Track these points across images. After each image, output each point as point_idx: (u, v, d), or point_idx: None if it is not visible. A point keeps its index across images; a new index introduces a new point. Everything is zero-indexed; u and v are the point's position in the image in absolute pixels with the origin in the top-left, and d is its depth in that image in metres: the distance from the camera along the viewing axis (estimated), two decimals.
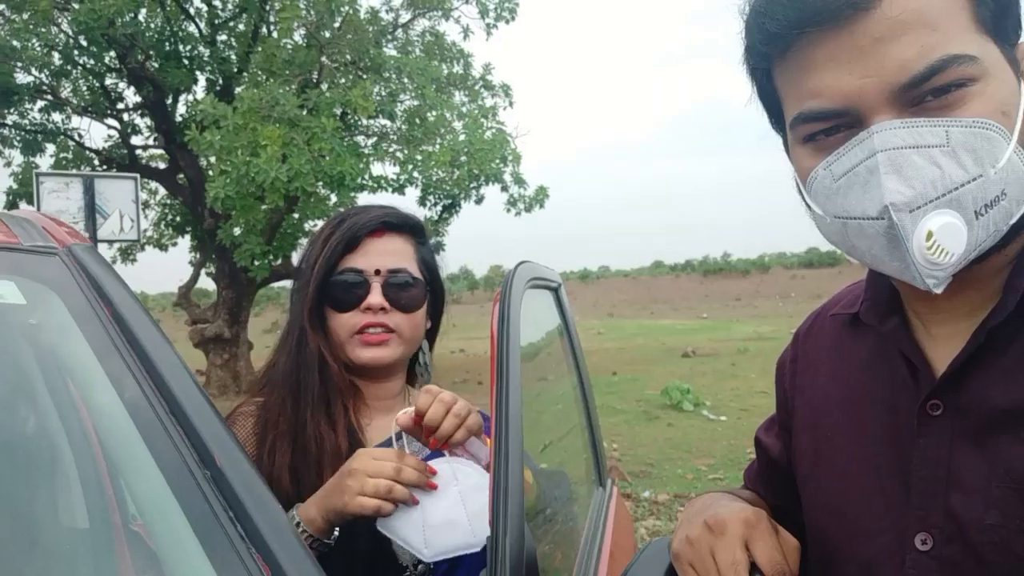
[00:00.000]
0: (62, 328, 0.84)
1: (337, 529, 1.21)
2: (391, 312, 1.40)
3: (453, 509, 1.18)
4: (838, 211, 0.78)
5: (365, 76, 12.40)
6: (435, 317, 1.55)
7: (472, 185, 13.01)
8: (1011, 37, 0.77)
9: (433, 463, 1.22)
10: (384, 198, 12.71)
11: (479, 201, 13.77)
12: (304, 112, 11.03)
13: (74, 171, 12.08)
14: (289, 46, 12.15)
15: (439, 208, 13.92)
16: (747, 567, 0.83)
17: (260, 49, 12.24)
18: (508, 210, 14.03)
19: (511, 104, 15.03)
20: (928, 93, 0.72)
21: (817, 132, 0.78)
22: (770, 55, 0.79)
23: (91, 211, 7.16)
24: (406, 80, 12.72)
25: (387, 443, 1.42)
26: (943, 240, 0.71)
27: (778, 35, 0.76)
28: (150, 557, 0.71)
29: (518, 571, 0.84)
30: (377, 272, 1.40)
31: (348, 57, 12.42)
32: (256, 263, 11.94)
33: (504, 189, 13.60)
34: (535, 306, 1.78)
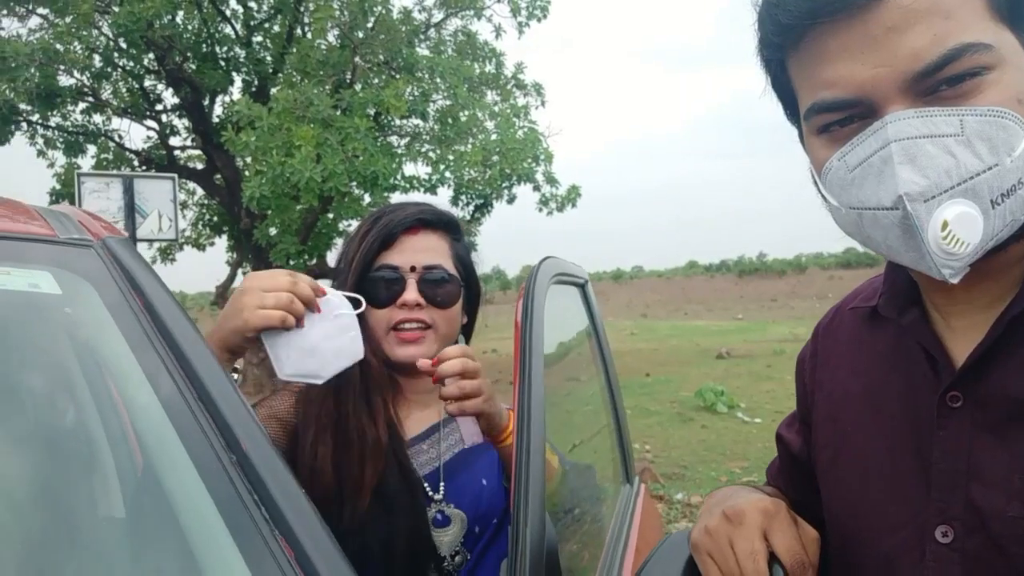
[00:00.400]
0: (96, 317, 0.87)
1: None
2: (426, 308, 1.42)
3: (320, 340, 1.21)
4: (853, 202, 0.77)
5: (398, 76, 12.48)
6: (471, 313, 1.57)
7: (504, 185, 13.02)
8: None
9: (325, 297, 1.24)
10: (417, 198, 12.73)
11: (511, 201, 13.79)
12: (338, 112, 11.13)
13: (114, 171, 12.31)
14: (323, 47, 12.28)
15: (471, 208, 13.97)
16: (765, 556, 0.83)
17: (295, 50, 12.38)
18: (540, 209, 14.04)
19: (543, 103, 15.01)
20: (942, 82, 0.72)
21: (831, 123, 0.78)
22: (784, 46, 0.79)
23: (130, 211, 7.30)
24: (438, 80, 12.78)
25: (423, 435, 1.48)
26: (958, 230, 0.70)
27: (791, 26, 0.76)
28: (180, 541, 0.72)
29: (538, 561, 0.84)
30: (412, 269, 1.43)
31: (381, 57, 12.51)
32: (291, 263, 12.07)
33: (536, 188, 13.60)
34: (561, 301, 1.78)
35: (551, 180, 13.69)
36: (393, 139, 13.64)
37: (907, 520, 0.84)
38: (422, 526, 1.36)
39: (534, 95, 14.96)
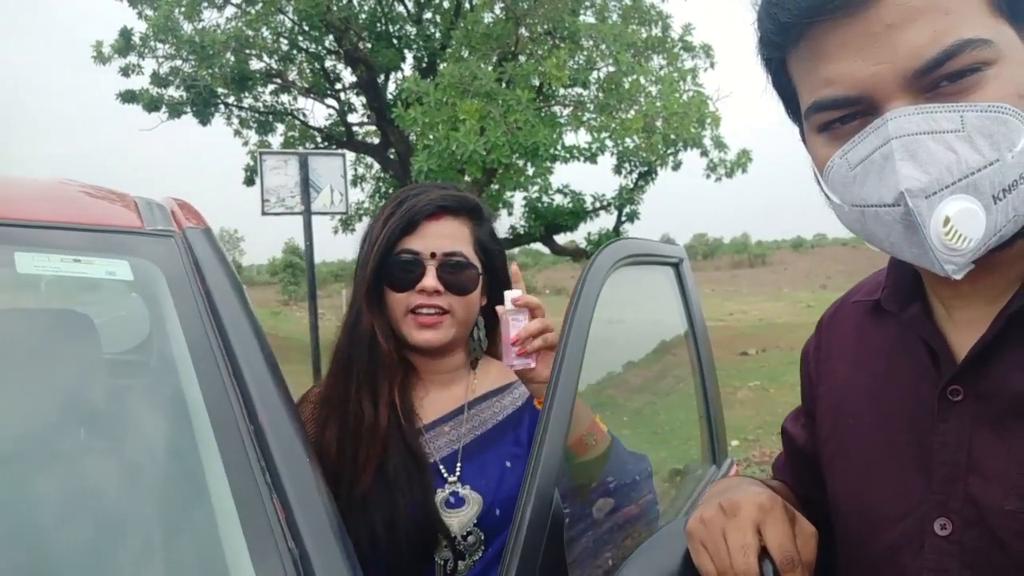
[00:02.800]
0: (158, 300, 0.99)
1: None
2: (445, 294, 1.45)
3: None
4: (855, 199, 0.78)
5: (562, 45, 12.50)
6: (493, 297, 1.56)
7: (669, 151, 12.78)
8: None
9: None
10: (576, 168, 12.82)
11: (676, 167, 13.51)
12: (501, 85, 11.33)
13: (290, 150, 13.22)
14: (488, 19, 12.50)
15: (635, 176, 13.83)
16: (756, 551, 0.83)
17: (461, 24, 12.69)
18: (708, 176, 13.65)
19: (712, 65, 14.52)
20: (943, 78, 0.71)
21: (832, 120, 0.78)
22: (783, 45, 0.79)
23: (305, 186, 7.84)
24: (603, 47, 12.67)
25: (445, 418, 1.50)
26: (961, 225, 0.70)
27: (790, 24, 0.75)
28: (196, 488, 0.83)
29: (537, 535, 0.89)
30: (432, 255, 1.45)
31: (544, 27, 12.56)
32: None
33: (704, 154, 13.23)
34: (646, 283, 1.78)
35: (719, 144, 13.27)
36: (557, 109, 13.73)
37: (908, 512, 0.85)
38: (428, 506, 1.38)
39: (703, 57, 14.49)
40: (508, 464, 1.47)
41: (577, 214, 14.22)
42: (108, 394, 0.99)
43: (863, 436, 0.93)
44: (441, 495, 1.42)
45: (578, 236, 15.03)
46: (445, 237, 1.47)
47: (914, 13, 0.70)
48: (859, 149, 0.75)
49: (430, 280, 1.43)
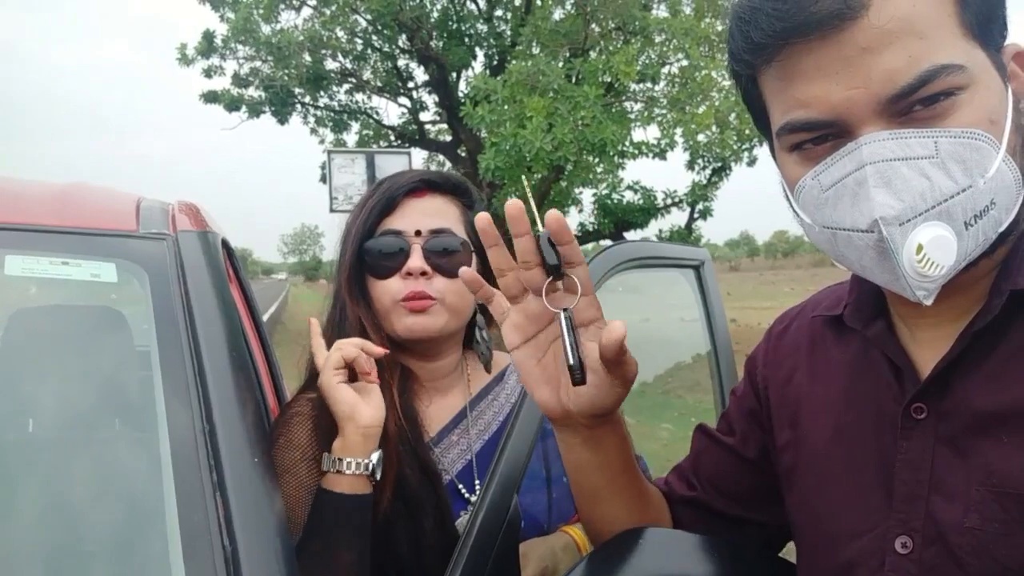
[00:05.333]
0: (137, 302, 1.03)
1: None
2: (433, 277, 1.28)
3: None
4: (827, 221, 0.77)
5: (633, 41, 12.38)
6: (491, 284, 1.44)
7: (743, 147, 12.54)
8: (997, 41, 0.76)
9: None
10: (648, 164, 12.70)
11: (751, 163, 13.23)
12: (570, 82, 11.30)
13: (357, 148, 13.48)
14: (558, 16, 12.48)
15: (708, 172, 13.60)
16: None
17: (530, 21, 12.70)
18: None
19: None
20: (916, 103, 0.71)
21: (804, 141, 0.77)
22: (751, 63, 0.78)
23: (371, 184, 8.00)
24: (675, 42, 12.50)
25: (450, 425, 1.36)
26: (933, 253, 0.70)
27: (763, 44, 0.74)
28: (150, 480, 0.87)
29: (491, 536, 0.89)
30: (418, 233, 1.28)
31: (613, 23, 12.47)
32: None
33: None
34: (661, 286, 1.75)
35: None
36: (627, 105, 13.61)
37: (868, 529, 0.84)
38: (448, 524, 1.25)
39: None
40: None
41: (648, 211, 14.07)
42: (80, 387, 1.03)
43: (821, 450, 0.93)
44: (463, 519, 1.27)
45: (649, 233, 14.89)
46: (431, 214, 1.31)
47: (889, 37, 0.70)
48: (832, 172, 0.74)
49: (416, 261, 1.27)
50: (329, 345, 1.23)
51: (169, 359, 0.94)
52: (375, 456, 1.13)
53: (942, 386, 0.80)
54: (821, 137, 0.75)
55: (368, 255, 1.30)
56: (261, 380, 1.67)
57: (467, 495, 1.32)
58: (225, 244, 1.75)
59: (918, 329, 0.84)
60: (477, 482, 1.33)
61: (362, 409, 1.12)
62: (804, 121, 0.75)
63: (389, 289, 1.29)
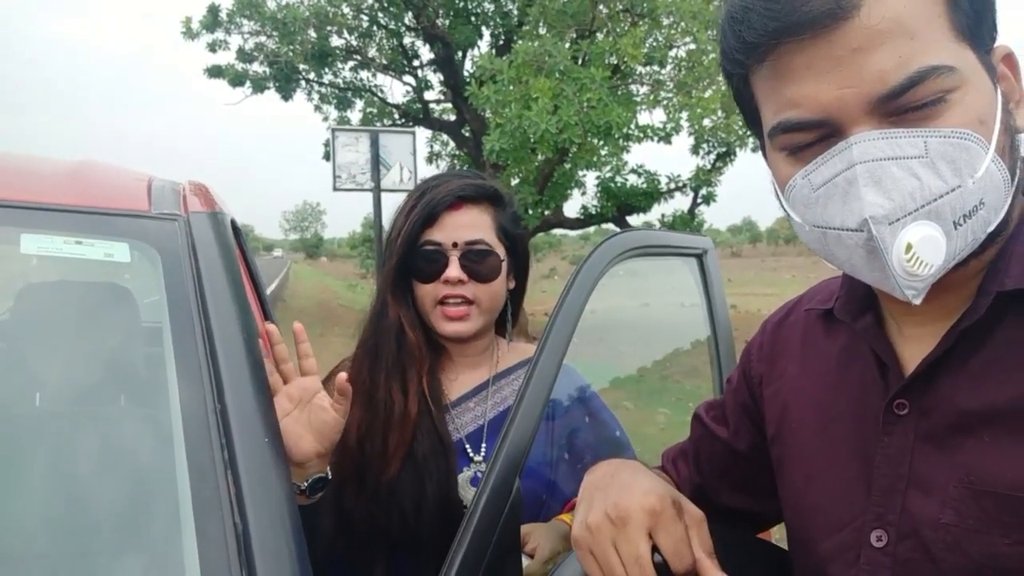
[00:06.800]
0: (149, 281, 1.04)
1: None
2: (469, 283, 1.47)
3: None
4: (817, 221, 0.78)
5: (641, 23, 12.31)
6: (519, 278, 1.60)
7: (749, 133, 12.50)
8: (987, 42, 0.76)
9: None
10: (652, 148, 12.71)
11: (756, 149, 13.17)
12: (577, 63, 11.24)
13: (361, 127, 13.45)
14: None
15: (712, 157, 13.57)
16: (651, 561, 0.82)
17: (538, 1, 12.63)
18: None
19: None
20: (907, 104, 0.71)
21: (795, 141, 0.77)
22: (746, 63, 0.78)
23: (376, 163, 7.99)
24: (683, 25, 12.42)
25: (470, 393, 1.54)
26: (922, 252, 0.71)
27: (755, 44, 0.75)
28: (162, 465, 0.89)
29: (494, 518, 0.91)
30: (455, 245, 1.47)
31: (622, 5, 12.39)
32: (529, 212, 12.51)
33: None
34: (662, 271, 1.77)
35: None
36: (633, 88, 13.55)
37: (847, 522, 0.85)
38: (450, 486, 1.41)
39: None
40: None
41: (651, 195, 14.05)
42: (98, 363, 1.06)
43: (807, 443, 0.94)
44: (467, 474, 1.45)
45: (652, 217, 14.88)
46: (466, 227, 1.49)
47: (880, 37, 0.70)
48: (822, 171, 0.75)
49: (453, 270, 1.46)
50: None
51: (181, 339, 0.96)
52: (310, 480, 1.21)
53: (926, 383, 0.81)
54: (812, 137, 0.76)
55: (412, 262, 1.49)
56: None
57: (472, 455, 1.48)
58: (233, 224, 1.77)
59: (906, 326, 0.85)
60: (483, 445, 1.49)
61: (301, 444, 1.17)
62: (796, 121, 0.75)
63: (430, 292, 1.49)
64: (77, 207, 1.10)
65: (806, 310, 1.03)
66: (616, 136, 11.05)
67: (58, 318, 1.18)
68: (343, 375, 1.21)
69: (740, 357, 1.13)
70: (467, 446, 1.49)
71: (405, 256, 1.48)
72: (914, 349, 0.84)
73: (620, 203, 14.06)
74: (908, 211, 0.71)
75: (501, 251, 1.52)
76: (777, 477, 1.00)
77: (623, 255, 1.43)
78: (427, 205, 1.48)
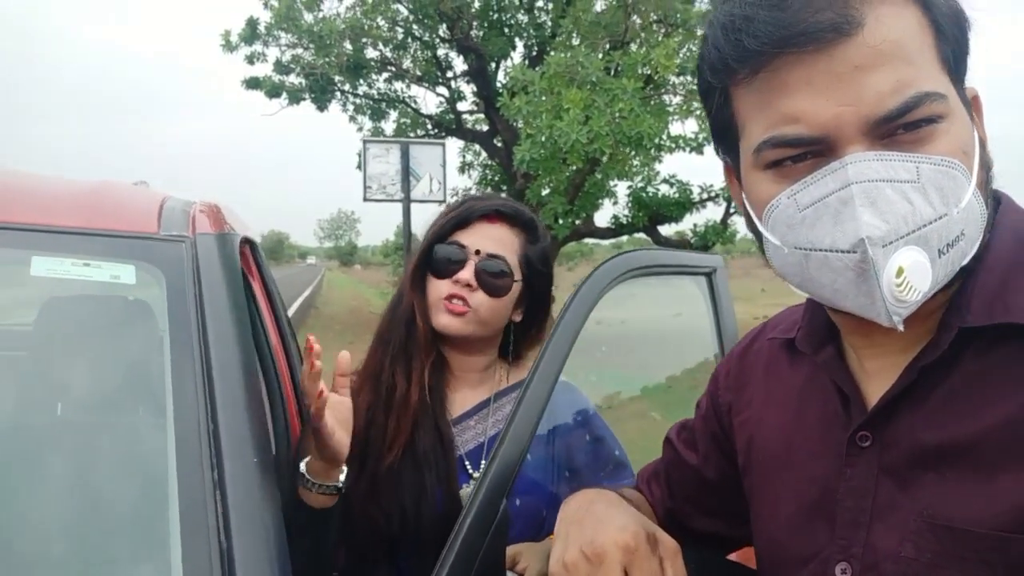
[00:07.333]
0: (153, 303, 1.09)
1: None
2: (476, 291, 1.50)
3: None
4: (801, 242, 0.75)
5: (674, 34, 12.29)
6: (530, 314, 1.61)
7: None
8: (963, 79, 0.77)
9: None
10: (686, 158, 12.65)
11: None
12: (609, 74, 11.24)
13: (392, 138, 13.57)
14: (600, 7, 12.43)
15: None
16: None
17: (571, 12, 12.67)
18: None
19: None
20: (900, 127, 0.71)
21: (784, 158, 0.75)
22: (736, 72, 0.76)
23: (406, 174, 8.07)
24: None
25: (471, 411, 1.57)
26: (912, 277, 0.70)
27: (755, 52, 0.73)
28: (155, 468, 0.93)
29: (478, 538, 0.93)
30: (477, 252, 1.51)
31: (655, 15, 12.39)
32: (559, 222, 12.52)
33: None
34: (692, 285, 1.78)
35: None
36: (666, 98, 13.51)
37: (813, 554, 0.85)
38: (452, 490, 1.45)
39: None
40: (528, 458, 1.52)
41: (683, 205, 13.97)
42: (99, 377, 1.10)
43: (772, 473, 0.94)
44: (467, 490, 1.47)
45: (684, 227, 14.80)
46: (493, 240, 1.54)
47: (881, 58, 0.70)
48: (812, 191, 0.73)
49: (467, 273, 1.50)
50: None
51: (179, 358, 0.99)
52: (342, 477, 1.32)
53: (887, 417, 0.81)
54: (802, 155, 0.74)
55: (434, 256, 1.54)
56: (280, 375, 1.73)
57: (472, 472, 1.51)
58: (249, 242, 1.81)
59: (866, 359, 0.85)
60: (483, 462, 1.49)
61: (341, 441, 1.25)
62: (793, 137, 0.73)
63: (439, 287, 1.53)
64: (87, 229, 1.14)
65: (769, 339, 1.03)
66: (648, 146, 11.01)
67: (71, 331, 1.23)
68: (344, 353, 1.25)
69: (708, 383, 1.13)
70: (467, 463, 1.52)
71: (431, 249, 1.54)
72: (875, 382, 0.83)
73: (652, 213, 14.01)
74: (900, 235, 0.70)
75: (517, 275, 1.55)
76: (749, 506, 1.00)
77: (625, 275, 1.44)
78: (466, 210, 1.56)
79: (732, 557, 1.21)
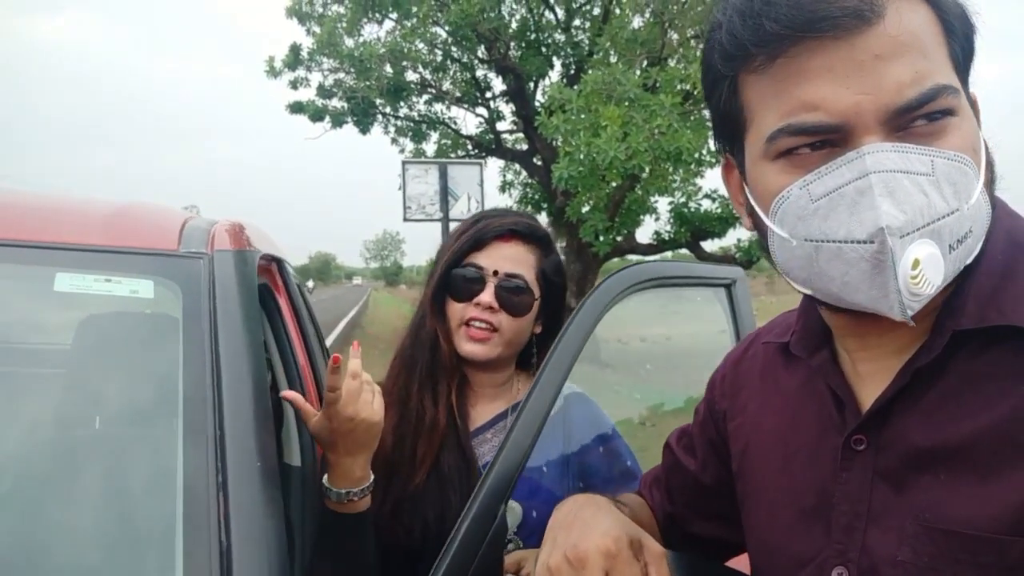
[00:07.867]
0: (168, 318, 1.13)
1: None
2: (498, 312, 1.52)
3: None
4: (813, 233, 0.74)
5: None
6: (549, 323, 1.63)
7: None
8: (967, 80, 0.77)
9: None
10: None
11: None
12: (647, 91, 11.24)
13: (430, 158, 13.71)
14: (636, 25, 12.44)
15: None
16: None
17: (607, 30, 12.72)
18: None
19: None
20: (917, 118, 0.71)
21: (800, 146, 0.74)
22: (753, 57, 0.74)
23: (444, 194, 8.17)
24: None
25: (488, 424, 1.59)
26: (928, 270, 0.69)
27: (777, 36, 0.72)
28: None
29: (474, 545, 0.94)
30: (495, 273, 1.53)
31: (692, 31, 12.37)
32: (600, 239, 12.49)
33: None
34: (686, 305, 1.78)
35: None
36: (706, 113, 13.41)
37: (808, 559, 0.85)
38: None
39: None
40: (544, 469, 1.54)
41: (726, 220, 13.83)
42: (119, 389, 1.16)
43: (768, 478, 0.94)
44: None
45: (728, 242, 14.66)
46: (509, 259, 1.55)
47: (901, 49, 0.70)
48: (826, 181, 0.72)
49: (487, 296, 1.52)
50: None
51: (192, 367, 1.04)
52: (371, 479, 1.38)
53: (882, 420, 0.80)
54: (818, 143, 0.73)
55: (453, 279, 1.55)
56: (305, 386, 1.77)
57: None
58: (275, 259, 1.86)
59: (860, 362, 0.84)
60: None
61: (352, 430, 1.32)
62: (812, 124, 0.72)
63: (460, 311, 1.55)
64: (109, 247, 1.20)
65: (764, 343, 1.03)
66: (687, 161, 10.96)
67: (97, 345, 1.29)
68: (336, 356, 1.28)
69: (705, 390, 1.13)
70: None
71: (448, 273, 1.56)
72: (870, 385, 0.83)
73: (694, 228, 13.90)
74: (917, 227, 0.69)
75: (536, 291, 1.57)
76: (741, 511, 1.00)
77: (635, 287, 1.44)
78: (480, 231, 1.57)
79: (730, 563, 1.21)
